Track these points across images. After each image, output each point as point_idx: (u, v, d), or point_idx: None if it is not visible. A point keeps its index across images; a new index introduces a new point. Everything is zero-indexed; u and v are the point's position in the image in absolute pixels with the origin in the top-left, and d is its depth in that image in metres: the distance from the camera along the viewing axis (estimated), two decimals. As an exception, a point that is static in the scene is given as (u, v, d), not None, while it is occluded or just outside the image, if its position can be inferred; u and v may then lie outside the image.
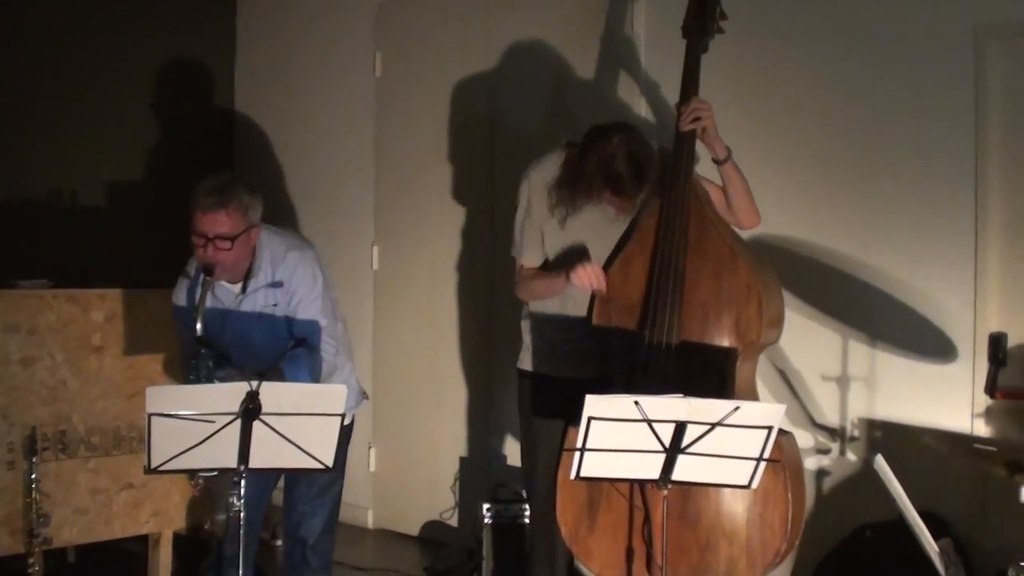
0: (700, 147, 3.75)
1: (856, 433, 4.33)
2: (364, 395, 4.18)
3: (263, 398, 2.97)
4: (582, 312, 3.82)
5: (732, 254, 3.60)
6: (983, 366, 3.79)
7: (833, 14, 4.42)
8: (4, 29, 5.70)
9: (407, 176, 5.90)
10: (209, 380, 3.46)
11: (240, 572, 3.22)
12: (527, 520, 4.51)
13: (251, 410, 2.98)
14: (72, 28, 5.94)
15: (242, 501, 3.15)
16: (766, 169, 4.30)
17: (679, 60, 3.79)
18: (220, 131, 6.72)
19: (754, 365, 3.74)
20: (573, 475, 3.08)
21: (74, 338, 4.53)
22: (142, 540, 4.83)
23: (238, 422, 2.99)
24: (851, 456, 4.35)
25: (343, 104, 6.25)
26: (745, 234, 3.84)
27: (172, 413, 2.95)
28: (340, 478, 3.98)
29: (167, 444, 2.99)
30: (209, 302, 3.64)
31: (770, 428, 2.98)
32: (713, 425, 2.96)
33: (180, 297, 3.88)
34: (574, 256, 3.76)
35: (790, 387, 4.47)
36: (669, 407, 2.97)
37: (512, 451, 5.29)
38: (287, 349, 3.68)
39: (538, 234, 3.86)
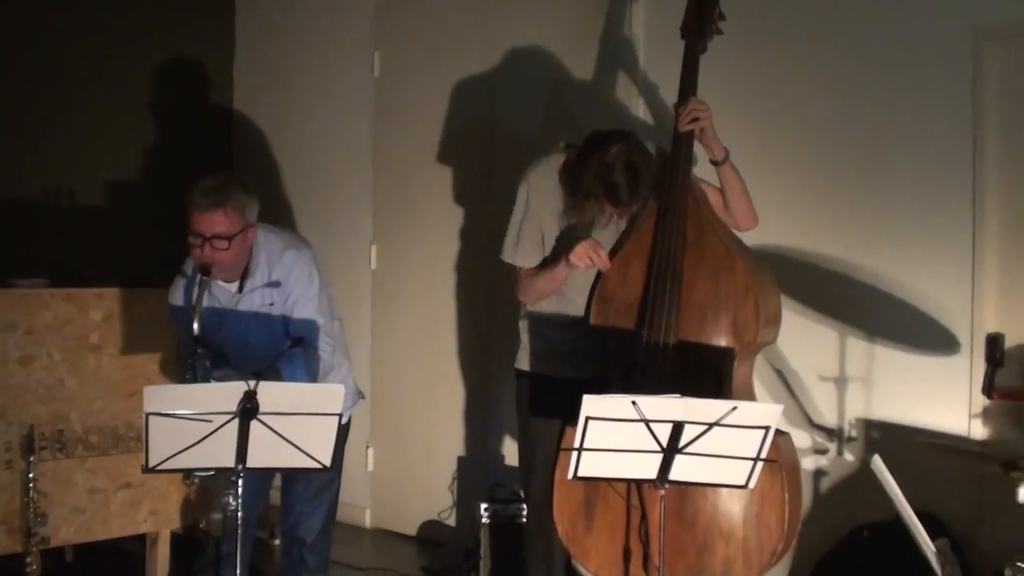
0: (698, 149, 3.75)
1: (853, 433, 4.33)
2: (360, 395, 4.19)
3: (261, 397, 2.98)
4: (580, 312, 3.82)
5: (729, 254, 3.60)
6: (980, 366, 3.80)
7: (831, 15, 4.42)
8: (2, 29, 5.70)
9: (405, 176, 5.90)
10: (206, 379, 3.46)
11: (237, 572, 3.22)
12: (525, 520, 4.51)
13: (249, 409, 2.98)
14: (70, 28, 5.94)
15: (239, 500, 3.16)
16: (764, 169, 4.30)
17: (678, 61, 3.79)
18: (218, 130, 6.72)
19: (751, 365, 3.74)
20: (570, 475, 3.08)
21: (72, 337, 4.53)
22: (140, 539, 4.82)
23: (236, 421, 2.99)
24: (848, 456, 4.35)
25: (341, 104, 6.25)
26: (743, 235, 3.84)
27: (170, 412, 2.95)
28: (337, 478, 3.98)
29: (165, 443, 2.99)
30: (206, 302, 3.64)
31: (767, 428, 2.98)
32: (710, 425, 2.97)
33: (177, 296, 3.88)
34: (571, 242, 3.76)
35: (788, 387, 4.48)
36: (666, 407, 2.97)
37: (510, 451, 5.29)
38: (284, 349, 3.68)
39: (538, 235, 3.86)
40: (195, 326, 3.52)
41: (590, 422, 2.98)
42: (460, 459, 5.61)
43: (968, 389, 4.05)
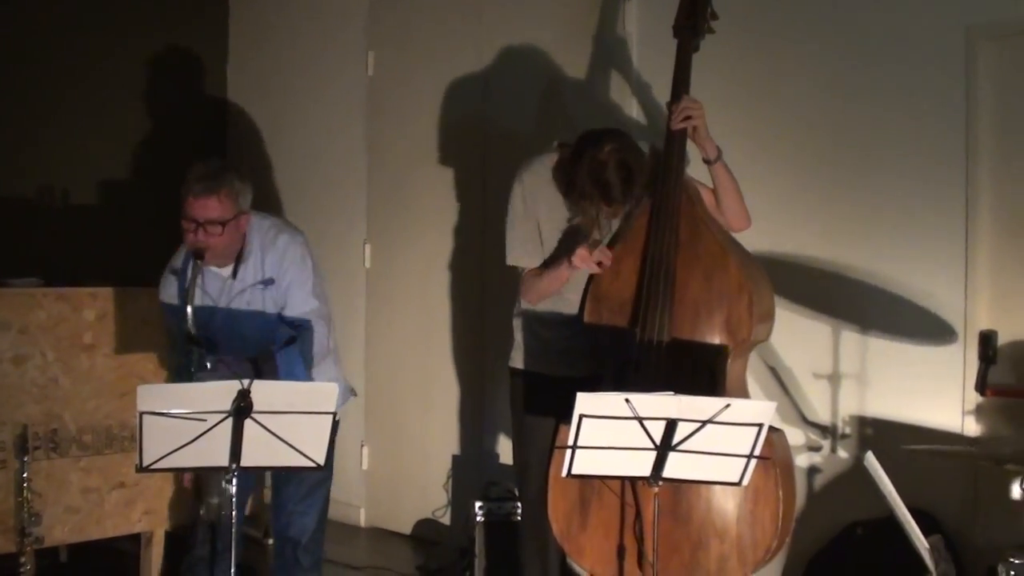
0: (691, 148, 3.76)
1: (847, 430, 4.34)
2: (352, 392, 4.18)
3: (254, 396, 2.98)
4: (574, 310, 3.83)
5: (723, 252, 3.61)
6: (974, 363, 3.80)
7: (824, 13, 4.42)
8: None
9: (399, 175, 5.90)
10: (201, 366, 3.47)
11: (232, 572, 3.21)
12: (519, 518, 4.51)
13: (242, 408, 2.98)
14: (62, 27, 5.93)
15: (234, 500, 3.15)
16: (757, 167, 4.31)
17: (671, 60, 3.79)
18: (212, 130, 6.71)
19: (745, 362, 3.75)
20: (564, 472, 3.08)
21: (65, 337, 4.52)
22: (134, 539, 4.82)
23: (230, 420, 2.99)
24: (842, 453, 4.36)
25: (335, 103, 6.24)
26: (737, 233, 3.84)
27: (163, 411, 2.95)
28: (329, 476, 3.97)
29: (158, 443, 2.99)
30: (198, 296, 3.65)
31: (760, 425, 2.98)
32: (704, 422, 2.97)
33: (168, 294, 3.87)
34: (572, 241, 3.77)
35: (781, 384, 4.48)
36: (660, 404, 2.97)
37: (504, 449, 5.29)
38: (280, 345, 3.68)
39: (536, 234, 3.86)
40: (188, 310, 3.54)
41: (584, 420, 2.98)
42: (455, 457, 5.62)
43: (961, 386, 4.05)
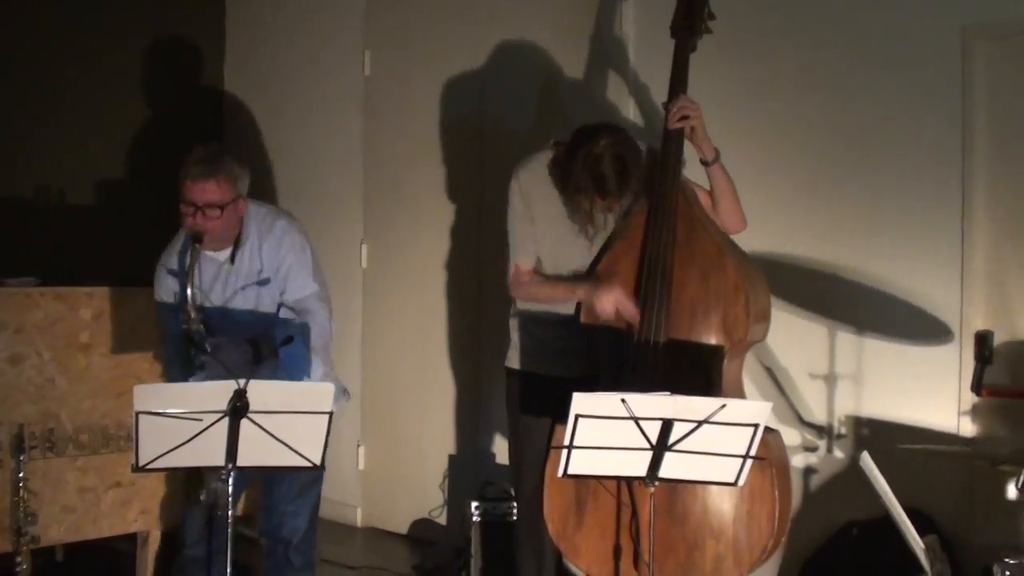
0: (688, 151, 3.76)
1: (843, 430, 4.34)
2: (345, 393, 4.17)
3: (251, 396, 2.98)
4: (570, 310, 3.82)
5: (720, 252, 3.61)
6: (970, 364, 3.81)
7: (821, 14, 4.43)
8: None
9: (396, 175, 5.90)
10: (200, 350, 3.48)
11: (229, 571, 3.21)
12: (515, 518, 4.51)
13: (239, 408, 2.98)
14: (58, 28, 5.92)
15: (230, 499, 3.15)
16: (754, 168, 4.31)
17: (668, 60, 3.79)
18: (209, 130, 6.70)
19: (741, 363, 3.75)
20: (560, 472, 3.08)
21: (62, 336, 4.52)
22: (130, 539, 4.82)
23: (226, 420, 2.99)
24: (838, 453, 4.36)
25: (332, 103, 6.24)
26: (733, 235, 3.85)
27: (160, 411, 2.95)
28: (320, 476, 3.96)
29: (155, 442, 2.99)
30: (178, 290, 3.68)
31: (756, 426, 2.99)
32: (699, 423, 2.97)
33: (165, 292, 3.86)
34: (569, 245, 3.77)
35: (777, 385, 4.49)
36: (656, 405, 2.98)
37: (501, 449, 5.29)
38: (278, 344, 3.68)
39: (532, 233, 3.87)
40: (189, 292, 3.55)
41: (580, 420, 2.98)
42: (451, 457, 5.62)
43: (957, 386, 4.06)
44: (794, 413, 4.45)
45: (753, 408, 3.03)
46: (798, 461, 4.38)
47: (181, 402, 2.97)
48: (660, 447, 3.02)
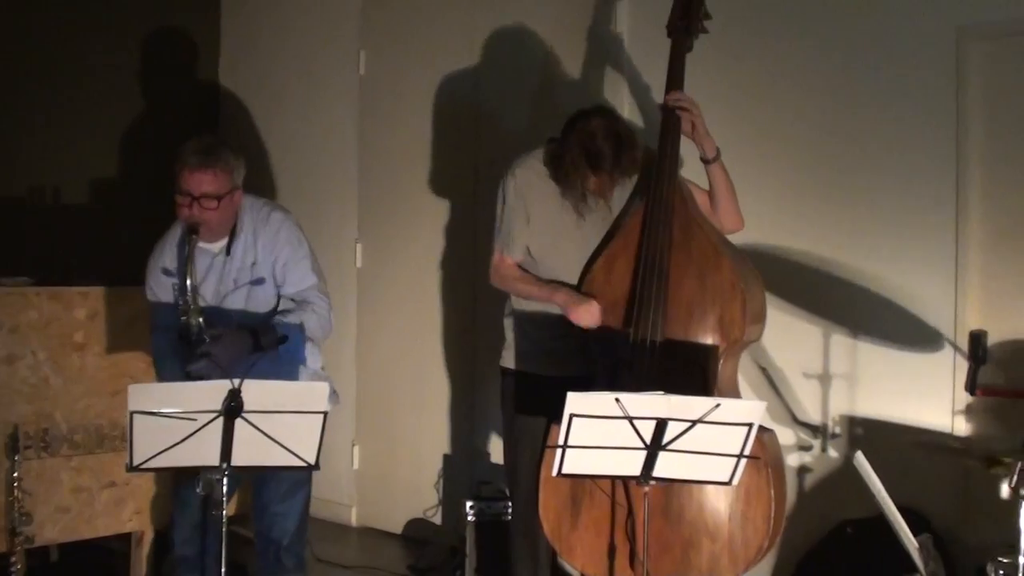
0: (685, 150, 3.76)
1: (837, 430, 4.35)
2: (335, 394, 4.14)
3: (245, 396, 2.98)
4: (565, 310, 3.83)
5: (716, 252, 3.61)
6: (964, 363, 3.82)
7: (816, 14, 4.43)
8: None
9: (391, 174, 5.90)
10: (200, 339, 3.48)
11: (223, 571, 3.21)
12: (510, 517, 4.52)
13: (233, 408, 2.98)
14: (52, 27, 5.91)
15: (224, 499, 3.15)
16: (749, 168, 4.31)
17: (662, 60, 3.80)
18: (203, 130, 6.67)
19: (737, 363, 3.75)
20: (555, 472, 3.09)
21: (56, 336, 4.52)
22: (124, 538, 4.81)
23: (220, 420, 2.99)
24: (832, 453, 4.37)
25: (327, 103, 6.24)
26: (730, 234, 3.85)
27: (154, 411, 2.95)
28: (310, 475, 3.95)
29: (149, 442, 2.99)
30: (177, 288, 3.66)
31: (750, 425, 2.99)
32: (694, 422, 2.98)
33: (161, 292, 3.85)
34: (561, 243, 3.77)
35: (772, 384, 4.49)
36: (650, 404, 2.98)
37: (495, 449, 5.29)
38: (276, 341, 3.68)
39: (524, 228, 3.87)
40: (188, 283, 3.55)
41: (574, 419, 2.99)
42: (446, 457, 5.62)
43: (951, 386, 4.06)
44: (788, 412, 4.45)
45: (747, 407, 3.04)
46: (793, 460, 4.39)
47: (175, 402, 2.97)
48: (654, 446, 3.02)
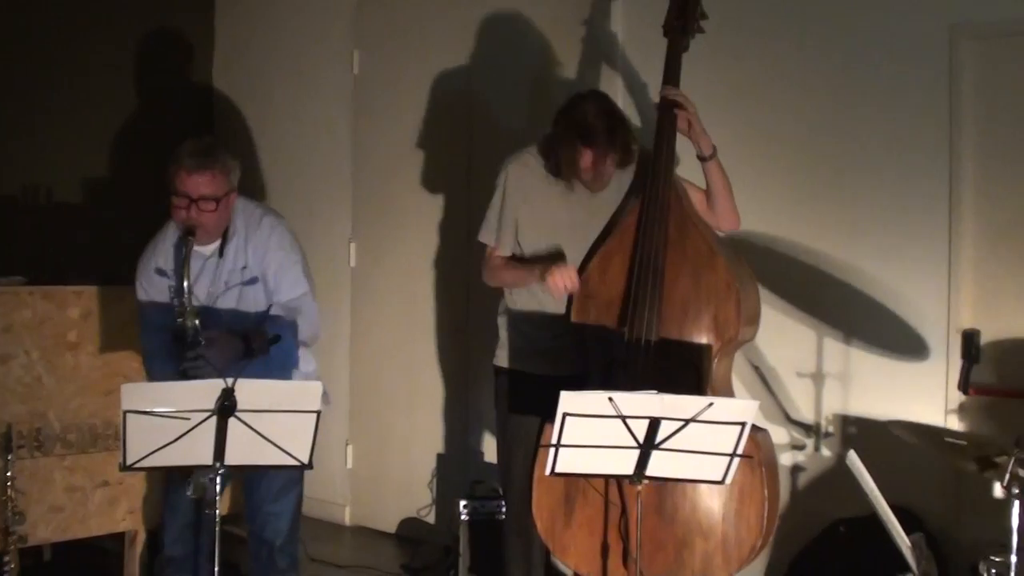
0: (682, 149, 3.76)
1: (830, 429, 4.35)
2: (326, 395, 4.12)
3: (239, 395, 2.97)
4: (560, 309, 3.83)
5: (711, 251, 3.61)
6: (957, 362, 3.83)
7: (811, 13, 4.44)
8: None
9: (385, 173, 5.90)
10: (196, 340, 3.48)
11: (216, 571, 3.21)
12: (504, 516, 4.52)
13: (227, 407, 2.97)
14: (45, 25, 5.90)
15: (217, 498, 3.14)
16: (743, 167, 4.30)
17: (658, 59, 3.81)
18: (197, 130, 6.67)
19: (730, 362, 3.75)
20: (548, 471, 3.08)
21: (50, 335, 4.51)
22: (118, 538, 4.81)
23: (214, 419, 2.98)
24: (825, 452, 4.37)
25: (321, 102, 6.24)
26: (726, 232, 3.85)
27: (148, 410, 2.94)
28: (302, 474, 3.94)
29: (142, 441, 2.98)
30: (170, 286, 3.66)
31: (743, 424, 2.99)
32: (687, 421, 2.98)
33: (154, 292, 3.83)
34: (551, 255, 3.77)
35: (765, 383, 4.50)
36: (643, 403, 2.98)
37: (489, 448, 5.29)
38: (267, 344, 3.67)
39: (513, 223, 3.88)
40: (186, 285, 3.54)
41: (567, 418, 2.98)
42: (439, 456, 5.62)
43: (944, 385, 4.07)
44: (782, 412, 4.46)
45: (740, 406, 3.04)
46: (786, 459, 4.39)
47: (169, 401, 2.96)
48: (647, 445, 3.03)
